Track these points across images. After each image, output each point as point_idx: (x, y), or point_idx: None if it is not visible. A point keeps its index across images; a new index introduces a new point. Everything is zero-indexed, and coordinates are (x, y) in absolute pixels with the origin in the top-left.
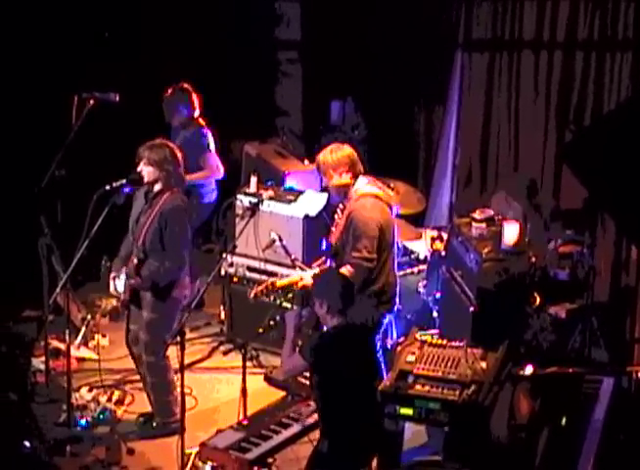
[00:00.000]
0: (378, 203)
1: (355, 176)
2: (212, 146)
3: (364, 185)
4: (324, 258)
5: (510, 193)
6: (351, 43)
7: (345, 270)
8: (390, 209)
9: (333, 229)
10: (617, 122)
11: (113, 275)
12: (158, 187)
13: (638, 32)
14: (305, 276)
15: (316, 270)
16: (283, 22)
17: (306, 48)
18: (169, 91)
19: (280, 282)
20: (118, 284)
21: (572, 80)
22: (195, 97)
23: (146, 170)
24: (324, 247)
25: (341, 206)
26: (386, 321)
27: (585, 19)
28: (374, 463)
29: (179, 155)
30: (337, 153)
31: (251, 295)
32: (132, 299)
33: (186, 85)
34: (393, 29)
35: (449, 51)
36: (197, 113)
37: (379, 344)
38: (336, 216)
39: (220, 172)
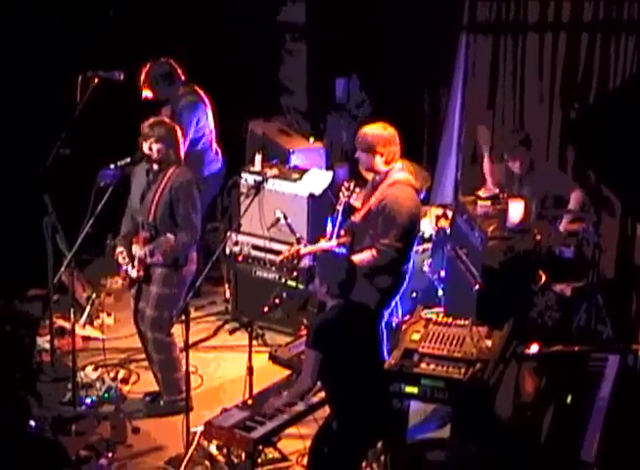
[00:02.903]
0: (411, 191)
1: (392, 161)
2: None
3: (398, 170)
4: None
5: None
6: (356, 21)
7: (370, 254)
8: (419, 195)
9: (354, 202)
10: (621, 103)
11: (120, 250)
12: (164, 163)
13: None
14: (327, 247)
15: (334, 242)
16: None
17: (311, 26)
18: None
19: (304, 250)
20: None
21: (577, 62)
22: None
23: (155, 147)
24: (337, 220)
25: (368, 186)
26: (394, 302)
27: (590, 0)
28: (379, 444)
29: (179, 130)
30: (389, 130)
31: (279, 261)
32: (144, 275)
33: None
34: (399, 9)
35: (454, 32)
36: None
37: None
38: (341, 195)
39: None
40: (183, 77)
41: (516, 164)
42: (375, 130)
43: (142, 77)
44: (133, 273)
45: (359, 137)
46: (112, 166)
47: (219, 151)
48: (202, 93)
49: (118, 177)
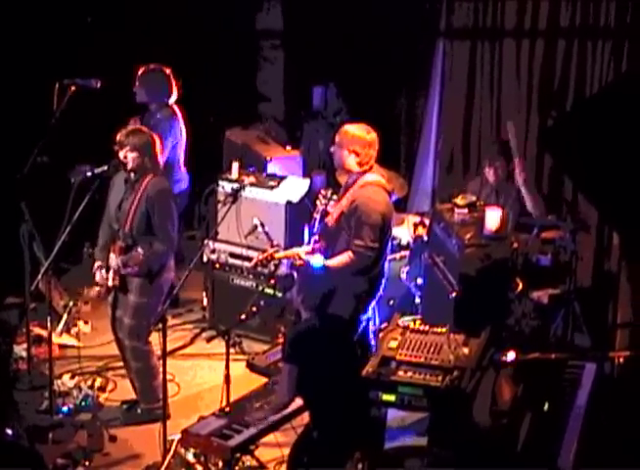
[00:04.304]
0: (382, 192)
1: (366, 164)
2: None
3: (370, 173)
4: (316, 238)
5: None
6: (333, 29)
7: (347, 256)
8: (390, 196)
9: (330, 209)
10: (598, 109)
11: (98, 264)
12: (140, 172)
13: (619, 20)
14: (302, 253)
15: (308, 248)
16: (264, 7)
17: (288, 34)
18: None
19: (278, 254)
20: (104, 273)
21: (554, 68)
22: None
23: (130, 156)
24: (315, 228)
25: (341, 190)
26: (371, 307)
27: (567, 6)
28: (357, 454)
29: (157, 140)
30: (371, 134)
31: (252, 264)
32: (119, 284)
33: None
34: (376, 16)
35: (431, 38)
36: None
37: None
38: (318, 202)
39: None
40: (175, 92)
41: (491, 173)
42: (357, 130)
43: (139, 73)
44: (109, 282)
45: (341, 132)
46: (88, 174)
47: (185, 170)
48: (177, 110)
49: (95, 183)
